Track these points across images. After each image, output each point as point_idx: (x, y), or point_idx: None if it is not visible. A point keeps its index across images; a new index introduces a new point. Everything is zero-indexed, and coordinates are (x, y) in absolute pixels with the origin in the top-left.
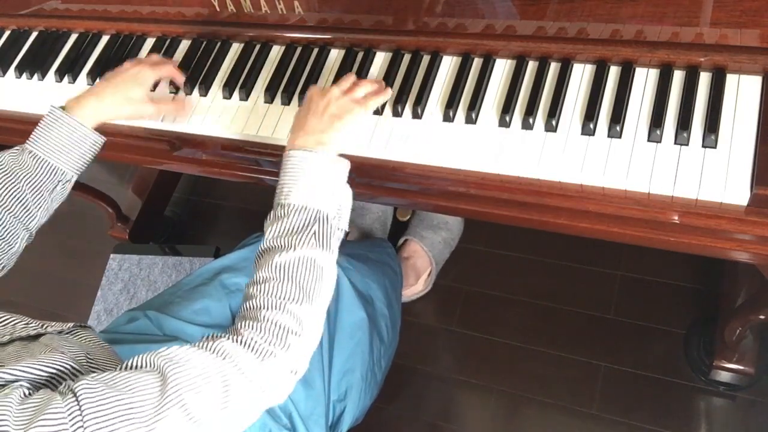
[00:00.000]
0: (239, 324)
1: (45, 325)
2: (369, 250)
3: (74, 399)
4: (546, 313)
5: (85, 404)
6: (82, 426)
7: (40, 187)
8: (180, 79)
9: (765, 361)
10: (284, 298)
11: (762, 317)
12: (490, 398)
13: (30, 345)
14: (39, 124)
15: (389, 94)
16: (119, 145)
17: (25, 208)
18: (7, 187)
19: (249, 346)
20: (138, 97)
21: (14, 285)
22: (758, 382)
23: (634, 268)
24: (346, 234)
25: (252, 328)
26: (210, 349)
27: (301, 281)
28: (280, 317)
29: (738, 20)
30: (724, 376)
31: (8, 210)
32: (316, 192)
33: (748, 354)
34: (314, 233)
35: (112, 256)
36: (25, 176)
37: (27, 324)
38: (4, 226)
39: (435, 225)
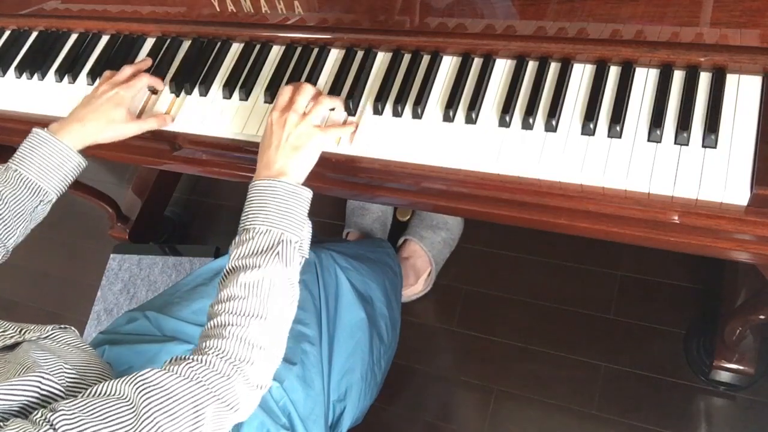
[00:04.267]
0: (204, 343)
1: (24, 331)
2: (369, 250)
3: (51, 430)
4: (546, 313)
5: None
6: None
7: (22, 205)
8: (159, 85)
9: (765, 361)
10: (248, 315)
11: (762, 317)
12: (490, 398)
13: (7, 357)
14: (23, 144)
15: (351, 127)
16: (119, 145)
17: (5, 225)
18: None
19: (214, 365)
20: (119, 119)
21: (14, 285)
22: (758, 382)
23: (634, 268)
24: (347, 234)
25: (216, 347)
26: (178, 373)
27: (265, 299)
28: (244, 333)
29: (738, 20)
30: (724, 376)
31: None
32: (279, 218)
33: (748, 354)
34: (278, 254)
35: (112, 256)
36: (8, 194)
37: (4, 331)
38: None
39: (434, 225)
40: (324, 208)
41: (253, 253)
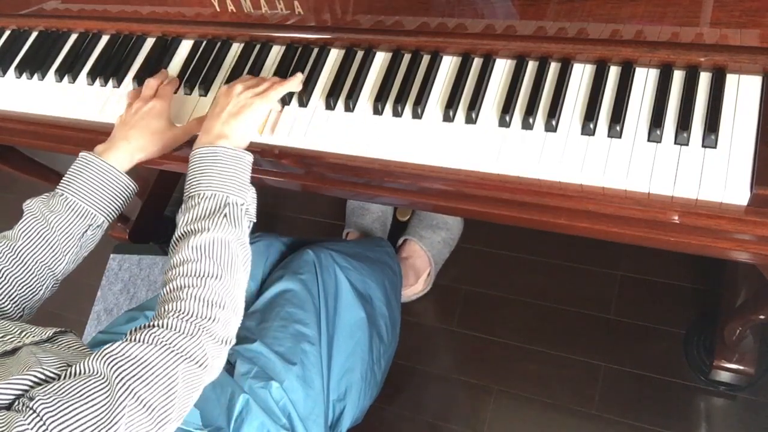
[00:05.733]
0: (162, 308)
1: (24, 334)
2: (368, 249)
3: (35, 415)
4: (546, 313)
5: (48, 418)
6: None
7: (70, 230)
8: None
9: (765, 361)
10: (203, 276)
11: (762, 317)
12: (490, 398)
13: (7, 363)
14: (69, 169)
15: (298, 79)
16: None
17: (53, 252)
18: (37, 231)
19: (177, 327)
20: (163, 128)
21: None
22: (758, 382)
23: (634, 268)
24: (347, 234)
25: (176, 309)
26: (142, 341)
27: (219, 259)
28: (201, 293)
29: (738, 20)
30: (724, 376)
31: (37, 255)
32: (223, 182)
33: (748, 354)
34: (225, 215)
35: (112, 256)
36: (55, 219)
37: (3, 336)
38: (32, 273)
39: (434, 225)
40: (324, 208)
41: (200, 217)
